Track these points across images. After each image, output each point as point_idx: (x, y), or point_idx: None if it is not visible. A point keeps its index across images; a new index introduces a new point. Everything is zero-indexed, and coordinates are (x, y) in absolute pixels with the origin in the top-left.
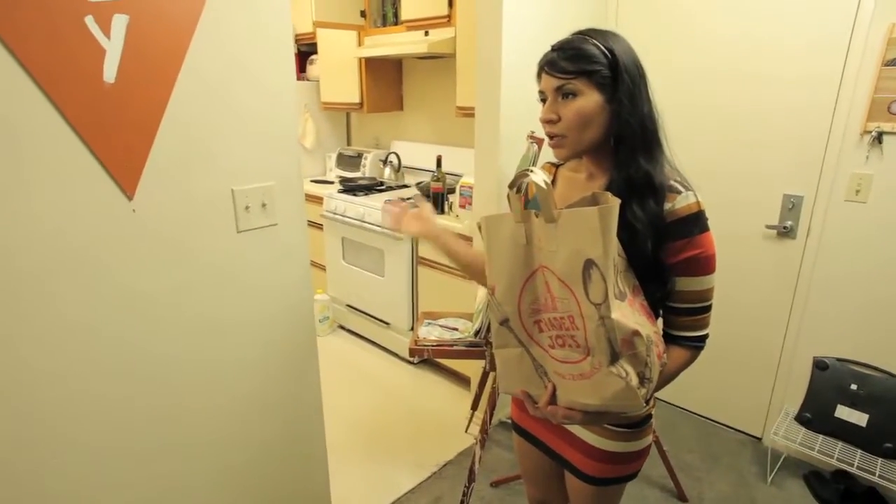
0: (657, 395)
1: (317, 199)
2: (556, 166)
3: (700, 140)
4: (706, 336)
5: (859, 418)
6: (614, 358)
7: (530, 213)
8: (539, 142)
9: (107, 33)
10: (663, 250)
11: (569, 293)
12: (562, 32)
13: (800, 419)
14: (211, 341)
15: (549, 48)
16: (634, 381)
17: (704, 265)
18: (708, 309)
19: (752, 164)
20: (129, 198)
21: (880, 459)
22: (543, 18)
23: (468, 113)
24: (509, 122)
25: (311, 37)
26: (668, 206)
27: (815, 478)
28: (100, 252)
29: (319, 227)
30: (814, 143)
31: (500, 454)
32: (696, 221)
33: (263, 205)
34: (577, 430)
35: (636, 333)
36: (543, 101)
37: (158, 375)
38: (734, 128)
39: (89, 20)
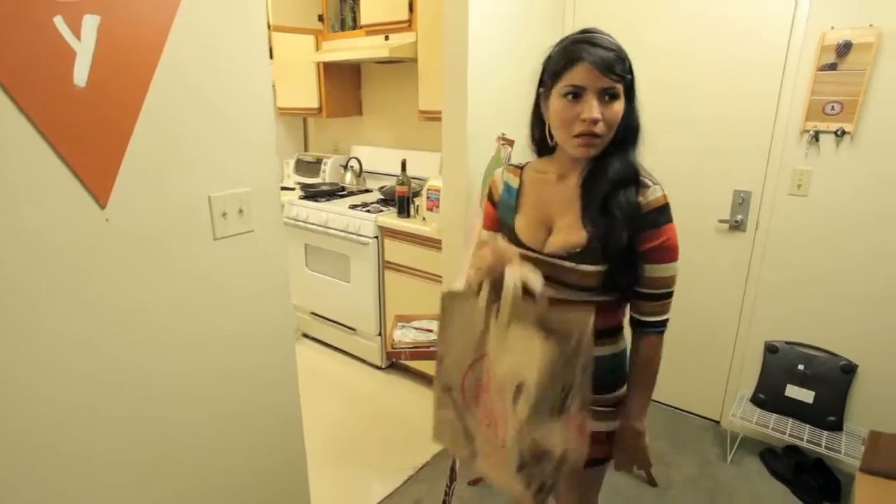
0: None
1: None
2: (521, 167)
3: (656, 144)
4: (668, 320)
5: (807, 396)
6: (521, 467)
7: (493, 307)
8: (510, 143)
9: (77, 34)
10: (637, 239)
11: (501, 396)
12: (525, 39)
13: (754, 400)
14: (189, 352)
15: (585, 38)
16: (533, 488)
17: (670, 253)
18: (671, 295)
19: (705, 164)
20: (102, 206)
21: (825, 432)
22: (507, 25)
23: (431, 117)
24: (476, 124)
25: None
26: (641, 199)
27: (769, 454)
28: (71, 262)
29: None
30: (760, 143)
31: None
32: (664, 211)
33: (240, 211)
34: None
35: (548, 453)
36: (574, 94)
37: (134, 387)
38: (687, 131)
39: (58, 20)
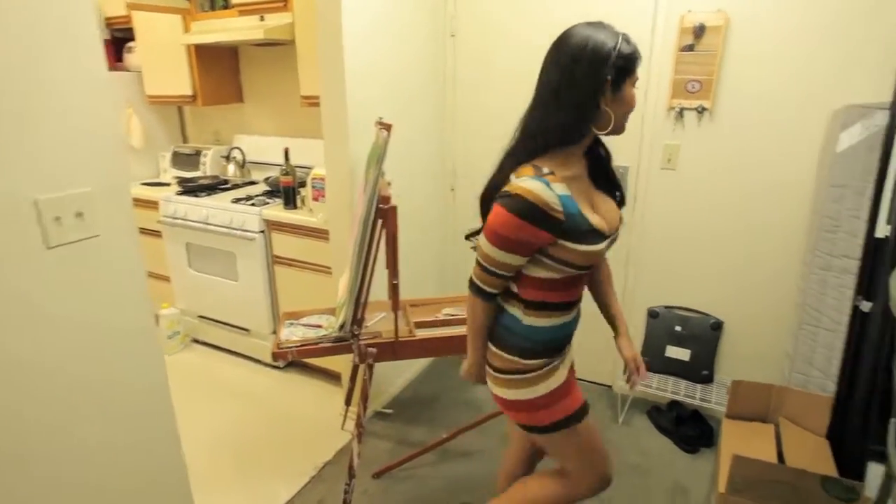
0: None
1: (151, 204)
2: (552, 173)
3: None
4: None
5: (684, 354)
6: None
7: None
8: (387, 128)
9: None
10: None
11: None
12: (402, 15)
13: None
14: (28, 384)
15: (626, 35)
16: None
17: None
18: None
19: None
20: None
21: (699, 385)
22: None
23: (314, 102)
24: (357, 108)
25: (125, 20)
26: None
27: (655, 411)
28: None
29: (158, 234)
30: (634, 119)
31: (378, 444)
32: None
33: (79, 214)
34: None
35: None
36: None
37: None
38: None
39: None
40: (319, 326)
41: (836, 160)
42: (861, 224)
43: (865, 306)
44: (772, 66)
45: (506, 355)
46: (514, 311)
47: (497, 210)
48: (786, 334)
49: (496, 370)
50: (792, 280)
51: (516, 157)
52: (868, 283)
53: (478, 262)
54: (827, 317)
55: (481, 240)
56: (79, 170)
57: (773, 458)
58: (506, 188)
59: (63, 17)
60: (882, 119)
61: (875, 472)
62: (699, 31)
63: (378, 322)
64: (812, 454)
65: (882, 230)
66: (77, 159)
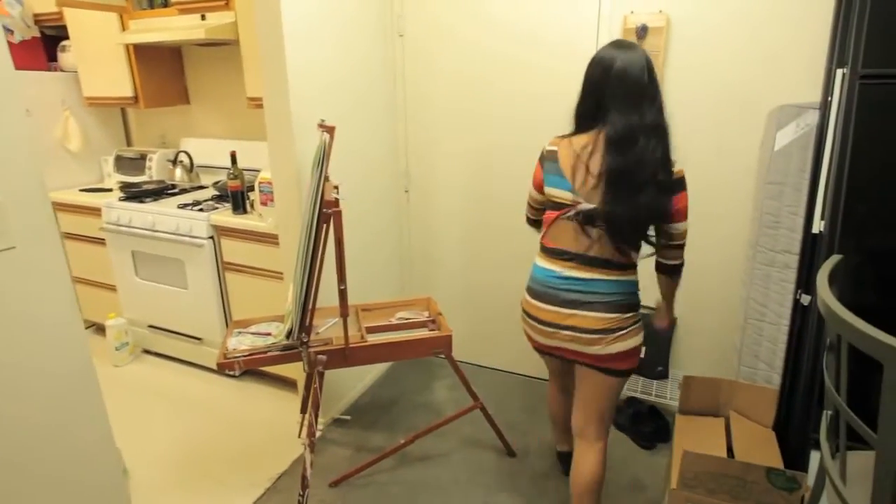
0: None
1: (93, 211)
2: None
3: (481, 130)
4: None
5: None
6: None
7: None
8: (330, 130)
9: None
10: None
11: None
12: (346, 13)
13: None
14: None
15: None
16: None
17: None
18: None
19: (529, 141)
20: None
21: (655, 381)
22: None
23: (260, 104)
24: (302, 108)
25: (57, 18)
26: None
27: None
28: None
29: (101, 242)
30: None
31: (336, 452)
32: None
33: None
34: None
35: None
36: None
37: None
38: (510, 116)
39: None
40: (269, 334)
41: (774, 158)
42: (799, 220)
43: (805, 300)
44: (712, 66)
45: (632, 313)
46: (633, 276)
47: (684, 194)
48: (734, 329)
49: (629, 325)
50: (739, 276)
51: (669, 159)
52: (807, 277)
53: (683, 247)
54: (771, 311)
55: (683, 226)
56: None
57: (724, 452)
58: (675, 177)
59: None
60: (813, 118)
61: (816, 461)
62: (642, 32)
63: (329, 328)
64: (760, 446)
65: (818, 225)
66: None
